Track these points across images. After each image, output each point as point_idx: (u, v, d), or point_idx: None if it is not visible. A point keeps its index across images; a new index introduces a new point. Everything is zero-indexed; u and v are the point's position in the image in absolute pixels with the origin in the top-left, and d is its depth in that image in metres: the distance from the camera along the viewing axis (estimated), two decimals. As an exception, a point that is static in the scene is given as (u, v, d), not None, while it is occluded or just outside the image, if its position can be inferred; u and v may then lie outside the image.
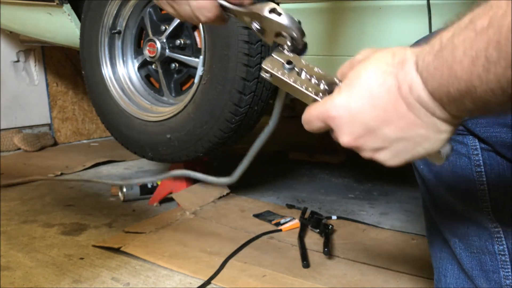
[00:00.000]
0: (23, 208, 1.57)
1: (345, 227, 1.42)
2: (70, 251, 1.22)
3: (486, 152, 0.63)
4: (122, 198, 1.65)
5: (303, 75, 0.50)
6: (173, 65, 1.52)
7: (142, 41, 1.62)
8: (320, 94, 0.48)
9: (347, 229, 1.40)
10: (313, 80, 0.49)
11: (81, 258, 1.18)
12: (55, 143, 2.72)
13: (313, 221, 1.35)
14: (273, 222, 1.42)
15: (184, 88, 1.57)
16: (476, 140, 0.63)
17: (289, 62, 0.50)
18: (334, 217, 1.48)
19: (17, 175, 1.97)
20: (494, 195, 0.64)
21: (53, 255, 1.20)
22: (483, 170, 0.63)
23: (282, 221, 1.42)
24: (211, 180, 0.83)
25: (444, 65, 0.37)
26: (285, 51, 0.52)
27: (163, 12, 1.55)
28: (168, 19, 1.51)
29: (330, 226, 1.33)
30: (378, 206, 1.68)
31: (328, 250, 1.18)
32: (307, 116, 0.48)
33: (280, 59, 0.50)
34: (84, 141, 2.89)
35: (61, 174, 2.04)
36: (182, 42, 1.49)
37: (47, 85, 2.74)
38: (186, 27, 1.48)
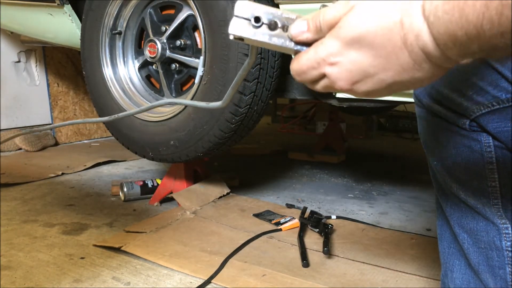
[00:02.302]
0: (24, 208, 1.58)
1: (344, 226, 1.42)
2: (71, 250, 1.23)
3: (500, 149, 0.63)
4: (122, 198, 1.66)
5: (277, 27, 0.45)
6: (174, 65, 1.53)
7: (142, 42, 1.63)
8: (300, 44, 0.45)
9: (347, 228, 1.41)
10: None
11: (82, 258, 1.18)
12: (56, 143, 2.73)
13: (312, 221, 1.35)
14: (273, 221, 1.43)
15: (184, 88, 1.57)
16: (490, 138, 0.63)
17: (256, 19, 0.45)
18: (333, 217, 1.49)
19: (18, 175, 1.98)
20: (505, 192, 0.64)
21: (54, 254, 1.20)
22: (495, 167, 0.64)
23: (282, 220, 1.42)
24: (201, 105, 0.81)
25: (455, 8, 0.36)
26: (247, 3, 0.45)
27: (163, 12, 1.55)
28: (169, 19, 1.52)
29: (330, 225, 1.34)
30: (377, 205, 1.68)
31: (328, 250, 1.18)
32: (298, 67, 0.46)
33: (246, 16, 0.45)
34: (85, 141, 2.90)
35: (62, 174, 2.05)
36: (183, 42, 1.49)
37: (48, 85, 2.75)
38: (187, 28, 1.49)
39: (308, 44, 0.45)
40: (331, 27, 0.43)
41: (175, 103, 0.90)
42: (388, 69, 0.42)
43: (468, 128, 0.64)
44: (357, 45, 0.41)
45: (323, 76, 0.45)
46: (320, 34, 0.44)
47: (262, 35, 0.45)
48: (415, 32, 0.39)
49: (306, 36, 0.45)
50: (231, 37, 0.46)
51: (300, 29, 0.45)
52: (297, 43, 0.45)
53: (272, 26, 0.45)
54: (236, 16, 0.45)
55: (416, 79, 0.42)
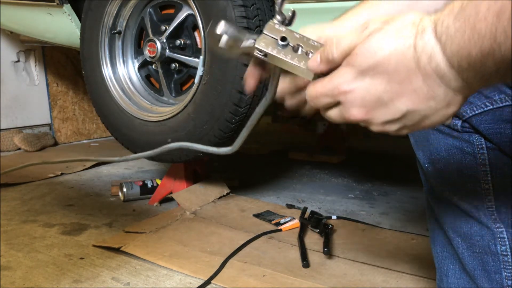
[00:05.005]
0: (23, 208, 1.58)
1: (344, 227, 1.42)
2: (70, 251, 1.22)
3: (492, 151, 0.62)
4: (122, 198, 1.65)
5: (300, 50, 0.47)
6: (173, 65, 1.53)
7: (142, 41, 1.62)
8: None
9: (347, 229, 1.40)
10: (311, 55, 0.47)
11: (81, 258, 1.18)
12: (56, 143, 2.72)
13: (313, 221, 1.35)
14: (273, 222, 1.42)
15: (184, 88, 1.57)
16: (482, 139, 0.62)
17: (283, 39, 0.47)
18: (334, 217, 1.48)
19: (18, 175, 1.97)
20: (499, 195, 0.63)
21: (53, 255, 1.20)
22: (488, 169, 0.63)
23: (282, 221, 1.42)
24: (211, 150, 0.82)
25: (466, 25, 0.36)
26: (277, 26, 0.48)
27: (163, 12, 1.55)
28: (168, 19, 1.51)
29: (330, 226, 1.33)
30: (377, 206, 1.68)
31: (328, 250, 1.18)
32: (313, 92, 0.46)
33: (273, 36, 0.48)
34: (85, 141, 2.89)
35: (61, 174, 2.04)
36: (182, 42, 1.49)
37: (48, 85, 2.74)
38: (186, 27, 1.48)
39: (324, 75, 0.46)
40: (346, 55, 0.43)
41: (186, 147, 0.92)
42: (401, 95, 0.41)
43: (460, 129, 0.63)
44: (372, 72, 0.42)
45: (337, 103, 0.45)
46: (332, 64, 0.44)
47: (285, 55, 0.47)
48: (428, 53, 0.39)
49: (320, 68, 0.46)
50: (255, 52, 0.48)
51: (315, 61, 0.46)
52: (315, 74, 0.47)
53: (296, 49, 0.47)
54: (265, 33, 0.48)
55: (432, 110, 0.42)
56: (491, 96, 0.59)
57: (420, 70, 0.40)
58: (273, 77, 0.56)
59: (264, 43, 0.48)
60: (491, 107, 0.59)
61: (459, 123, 0.63)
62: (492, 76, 0.38)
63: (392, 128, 0.45)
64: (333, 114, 0.47)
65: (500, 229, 0.64)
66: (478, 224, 0.66)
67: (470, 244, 0.67)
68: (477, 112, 0.61)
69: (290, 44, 0.47)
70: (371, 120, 0.44)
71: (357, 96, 0.43)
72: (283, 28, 0.48)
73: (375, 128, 0.45)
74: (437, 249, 0.75)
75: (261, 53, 0.48)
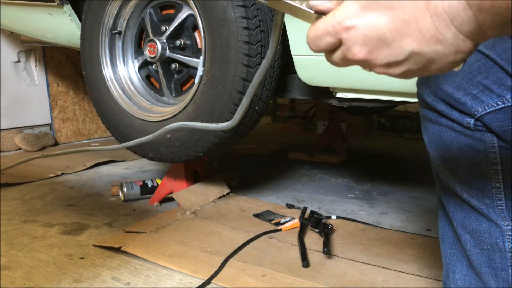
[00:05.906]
0: (23, 208, 1.58)
1: (344, 226, 1.42)
2: (71, 250, 1.23)
3: (504, 150, 0.63)
4: (122, 198, 1.65)
5: None
6: (174, 65, 1.53)
7: (142, 42, 1.63)
8: None
9: (347, 228, 1.41)
10: None
11: (82, 258, 1.18)
12: (56, 143, 2.73)
13: (312, 221, 1.35)
14: (273, 221, 1.43)
15: (184, 88, 1.57)
16: (495, 138, 0.63)
17: None
18: (333, 217, 1.49)
19: (18, 175, 1.97)
20: (509, 194, 0.64)
21: (53, 254, 1.20)
22: (499, 168, 0.63)
23: (282, 220, 1.42)
24: (212, 127, 0.80)
25: None
26: None
27: (163, 12, 1.55)
28: (168, 19, 1.51)
29: (330, 225, 1.33)
30: (377, 206, 1.68)
31: (328, 250, 1.18)
32: (314, 32, 0.43)
33: None
34: (85, 141, 2.90)
35: (62, 174, 2.04)
36: (182, 42, 1.49)
37: (48, 85, 2.74)
38: (186, 28, 1.49)
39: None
40: None
41: (186, 126, 0.91)
42: (406, 35, 0.39)
43: (473, 127, 0.63)
44: (375, 6, 0.39)
45: (339, 43, 0.43)
46: (340, 3, 0.42)
47: None
48: None
49: (327, 6, 0.44)
50: None
51: None
52: (317, 12, 0.45)
53: None
54: None
55: (438, 54, 0.39)
56: (503, 94, 0.59)
57: (429, 8, 0.37)
58: (274, 31, 0.54)
59: None
60: (503, 105, 0.60)
61: (471, 121, 0.63)
62: (510, 23, 0.35)
63: (396, 71, 0.42)
64: (335, 57, 0.44)
65: (509, 227, 0.64)
66: (487, 221, 0.66)
67: (479, 241, 0.67)
68: (488, 110, 0.61)
69: None
70: (374, 61, 0.42)
71: (359, 32, 0.40)
72: None
73: (378, 70, 0.43)
74: (446, 246, 0.75)
75: None
